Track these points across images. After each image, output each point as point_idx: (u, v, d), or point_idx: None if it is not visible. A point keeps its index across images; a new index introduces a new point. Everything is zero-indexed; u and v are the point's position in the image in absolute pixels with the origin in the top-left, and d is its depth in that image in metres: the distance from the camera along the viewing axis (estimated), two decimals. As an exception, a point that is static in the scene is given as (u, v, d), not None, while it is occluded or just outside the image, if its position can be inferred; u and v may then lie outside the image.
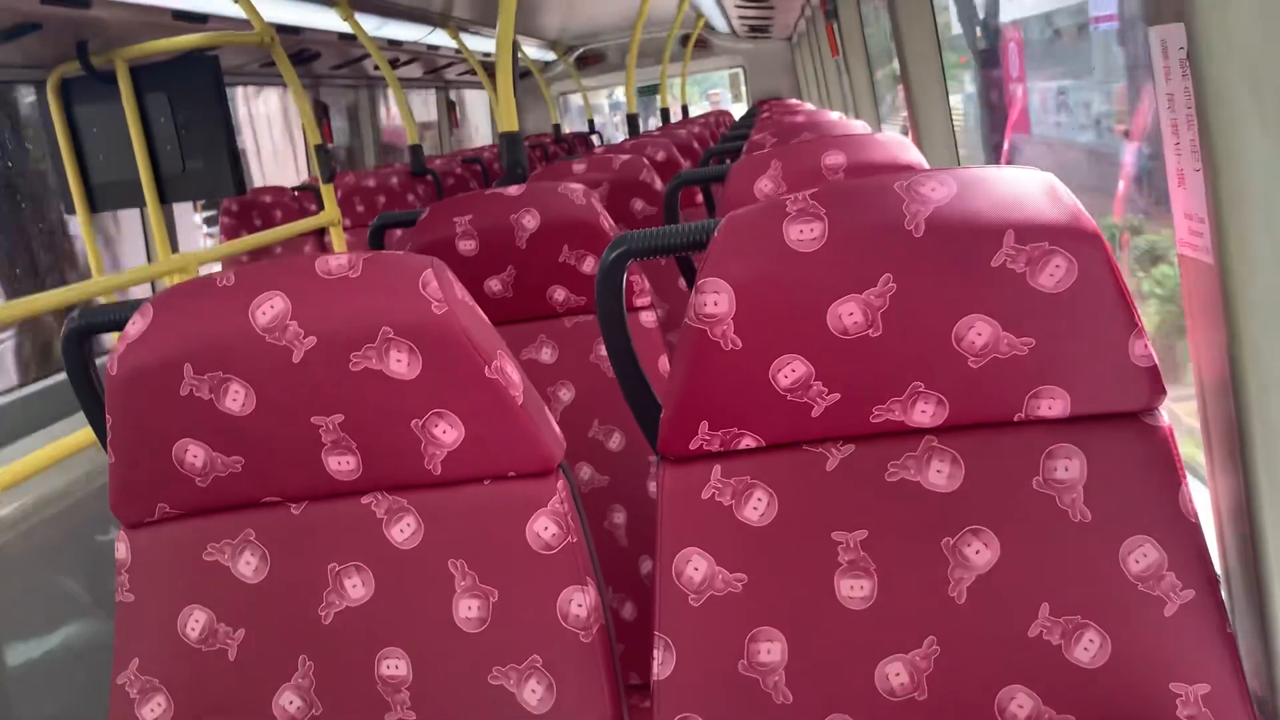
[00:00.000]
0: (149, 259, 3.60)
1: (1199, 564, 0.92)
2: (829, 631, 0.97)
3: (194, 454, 1.04)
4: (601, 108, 12.91)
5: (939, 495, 0.96)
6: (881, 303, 0.92)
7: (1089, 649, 0.92)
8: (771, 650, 0.97)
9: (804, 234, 0.93)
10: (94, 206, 3.08)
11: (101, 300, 2.56)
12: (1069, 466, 0.93)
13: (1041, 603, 0.93)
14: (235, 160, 3.01)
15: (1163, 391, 0.93)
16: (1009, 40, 4.75)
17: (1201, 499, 0.94)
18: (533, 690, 1.01)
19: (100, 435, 1.14)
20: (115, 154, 3.02)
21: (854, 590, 0.96)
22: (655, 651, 0.98)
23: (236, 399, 1.01)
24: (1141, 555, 0.92)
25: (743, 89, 10.13)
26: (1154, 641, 0.91)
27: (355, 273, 1.01)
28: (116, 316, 1.11)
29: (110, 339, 3.02)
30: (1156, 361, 0.92)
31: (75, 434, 1.87)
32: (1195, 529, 0.92)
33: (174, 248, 3.45)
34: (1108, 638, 0.92)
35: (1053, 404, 0.94)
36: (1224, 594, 0.93)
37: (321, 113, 5.54)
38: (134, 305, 1.07)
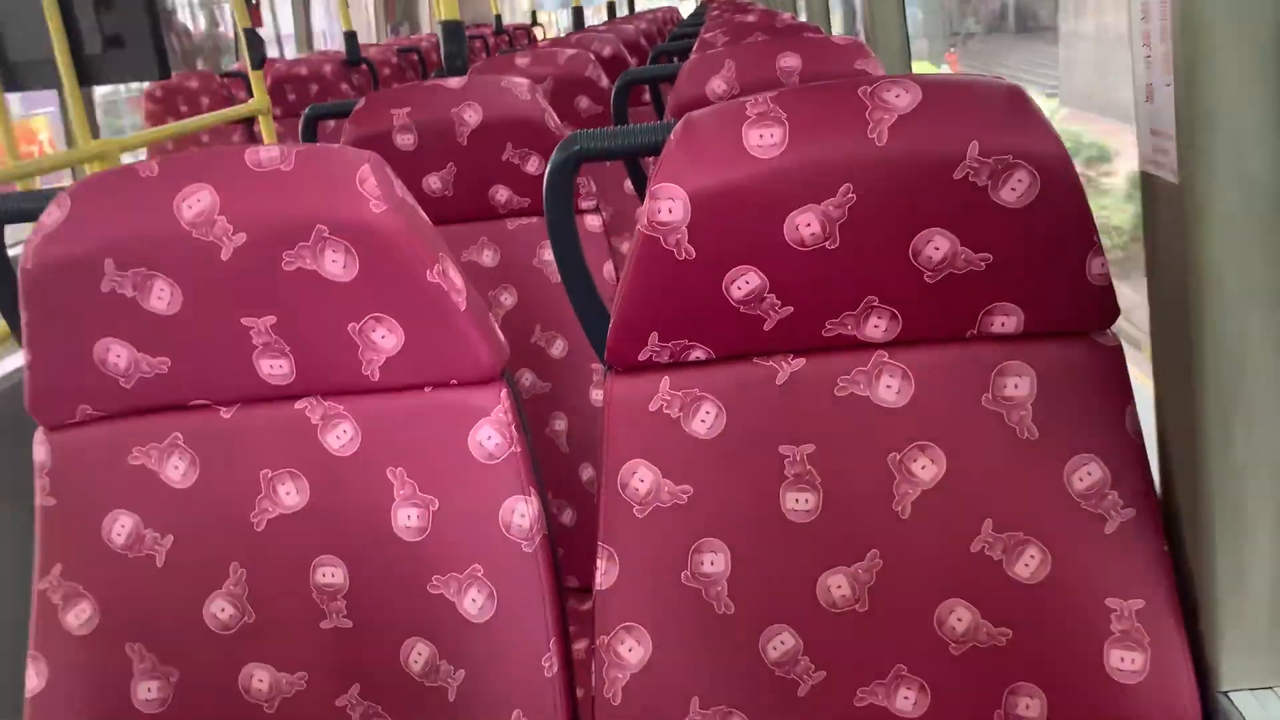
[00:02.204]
0: (68, 144, 3.44)
1: (1141, 483, 0.92)
2: (772, 544, 0.96)
3: (116, 354, 0.99)
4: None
5: (887, 410, 0.95)
6: (840, 214, 0.89)
7: (1029, 564, 0.93)
8: (715, 561, 0.96)
9: (764, 139, 0.89)
10: (8, 86, 2.92)
11: (17, 187, 2.44)
12: (1019, 384, 0.93)
13: (985, 519, 0.93)
14: (159, 42, 2.85)
15: (1116, 311, 0.92)
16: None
17: (1145, 417, 0.95)
18: (473, 599, 0.99)
19: (16, 331, 1.08)
20: (31, 31, 2.85)
21: (799, 503, 0.96)
22: (599, 562, 0.97)
23: (162, 297, 0.96)
24: (1086, 474, 0.92)
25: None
26: (1093, 558, 0.92)
27: (288, 166, 0.95)
28: (30, 206, 1.05)
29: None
30: (1112, 281, 0.91)
31: None
32: (1139, 448, 0.93)
33: (95, 133, 3.30)
34: (1048, 554, 0.92)
35: (1006, 321, 0.93)
36: (1163, 512, 0.94)
37: (251, -6, 5.28)
38: (49, 194, 1.00)
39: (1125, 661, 0.90)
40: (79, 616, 1.03)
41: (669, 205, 0.90)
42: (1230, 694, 0.90)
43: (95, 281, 0.96)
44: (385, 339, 0.98)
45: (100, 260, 0.95)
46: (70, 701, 1.03)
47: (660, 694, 0.97)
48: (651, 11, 7.20)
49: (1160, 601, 0.91)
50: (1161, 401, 0.96)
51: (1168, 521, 0.94)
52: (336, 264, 0.95)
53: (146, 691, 1.02)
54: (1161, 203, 0.88)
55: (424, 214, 1.01)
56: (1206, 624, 0.91)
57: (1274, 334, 0.84)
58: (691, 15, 5.98)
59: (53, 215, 0.97)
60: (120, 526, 1.02)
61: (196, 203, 0.94)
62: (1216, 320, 0.84)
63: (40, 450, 1.04)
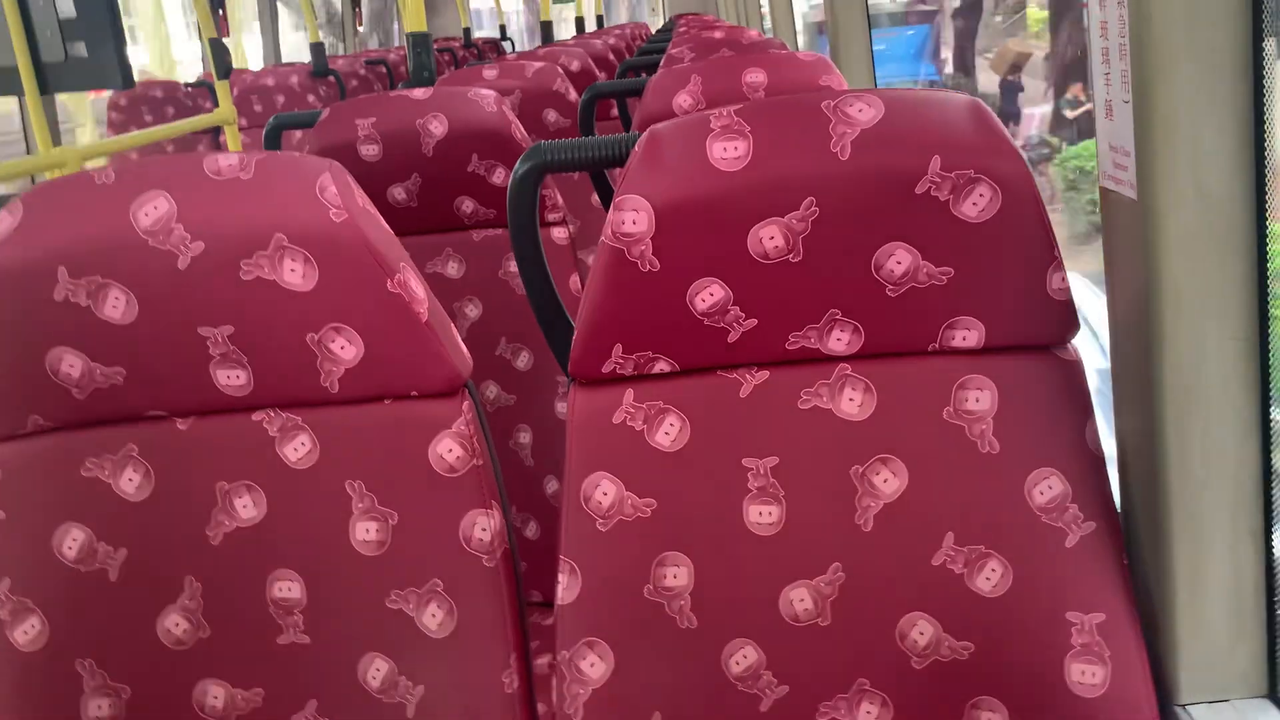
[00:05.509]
0: (28, 152, 3.40)
1: (1101, 497, 0.93)
2: (736, 557, 0.96)
3: (70, 363, 0.97)
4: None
5: (850, 423, 0.95)
6: (803, 227, 0.89)
7: (990, 578, 0.93)
8: (678, 575, 0.96)
9: (728, 152, 0.89)
10: None
11: (-27, 195, 2.40)
12: (980, 398, 0.93)
13: (946, 532, 0.93)
14: (122, 50, 2.82)
15: (1077, 325, 0.93)
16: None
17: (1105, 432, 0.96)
18: (433, 614, 0.98)
19: None
20: (-9, 39, 2.81)
21: (762, 516, 0.95)
22: (560, 576, 0.96)
23: (117, 306, 0.95)
24: (1047, 487, 0.92)
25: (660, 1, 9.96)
26: (1054, 571, 0.92)
27: (247, 174, 0.94)
28: None
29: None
30: (1072, 295, 0.91)
31: None
32: (1100, 462, 0.93)
33: (56, 141, 3.26)
34: (1009, 567, 0.93)
35: (968, 335, 0.93)
36: (1123, 526, 0.94)
37: (216, 3, 5.25)
38: (0, 201, 0.98)
39: (1086, 675, 0.91)
40: (27, 632, 1.00)
41: (633, 217, 0.90)
42: (1188, 707, 0.91)
43: (48, 289, 0.94)
44: (345, 350, 0.97)
45: (53, 267, 0.94)
46: None
47: (622, 710, 0.96)
48: (620, 27, 7.22)
49: (1120, 615, 0.91)
50: (1120, 414, 0.96)
51: (1127, 535, 0.95)
52: (295, 273, 0.93)
53: (97, 709, 1.00)
54: (1121, 218, 0.89)
55: (385, 224, 1.00)
56: (1165, 637, 0.92)
57: (1230, 348, 0.85)
58: (659, 31, 6.01)
59: (4, 223, 0.95)
60: (71, 540, 1.00)
61: (153, 210, 0.93)
62: (1174, 334, 0.84)
63: None
